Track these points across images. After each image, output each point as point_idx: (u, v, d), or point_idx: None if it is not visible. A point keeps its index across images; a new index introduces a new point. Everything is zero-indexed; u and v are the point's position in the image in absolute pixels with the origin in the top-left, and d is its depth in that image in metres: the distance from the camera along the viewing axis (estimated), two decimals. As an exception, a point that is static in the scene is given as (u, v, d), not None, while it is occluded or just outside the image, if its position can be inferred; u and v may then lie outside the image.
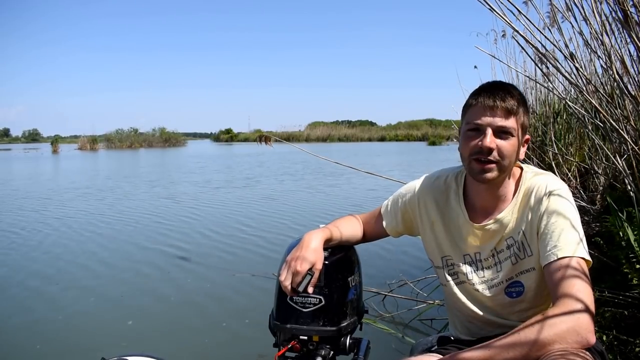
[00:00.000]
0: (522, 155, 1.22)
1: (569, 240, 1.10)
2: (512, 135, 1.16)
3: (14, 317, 3.51)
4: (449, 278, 1.31)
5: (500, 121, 1.15)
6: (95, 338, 3.14)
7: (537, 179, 1.21)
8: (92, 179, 14.40)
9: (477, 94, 1.19)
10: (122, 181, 13.51)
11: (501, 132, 1.16)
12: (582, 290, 1.03)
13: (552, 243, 1.11)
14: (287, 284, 1.18)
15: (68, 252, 5.44)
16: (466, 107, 1.22)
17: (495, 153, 1.15)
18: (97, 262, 4.95)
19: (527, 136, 1.24)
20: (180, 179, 13.79)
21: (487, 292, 1.25)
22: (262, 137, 2.47)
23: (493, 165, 1.16)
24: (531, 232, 1.18)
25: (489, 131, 1.15)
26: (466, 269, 1.27)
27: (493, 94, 1.17)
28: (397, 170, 14.62)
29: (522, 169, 1.26)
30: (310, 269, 1.17)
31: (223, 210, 8.15)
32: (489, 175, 1.17)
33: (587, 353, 1.00)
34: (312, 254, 1.19)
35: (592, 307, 1.01)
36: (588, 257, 1.10)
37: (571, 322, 0.98)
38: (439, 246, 1.32)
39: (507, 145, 1.16)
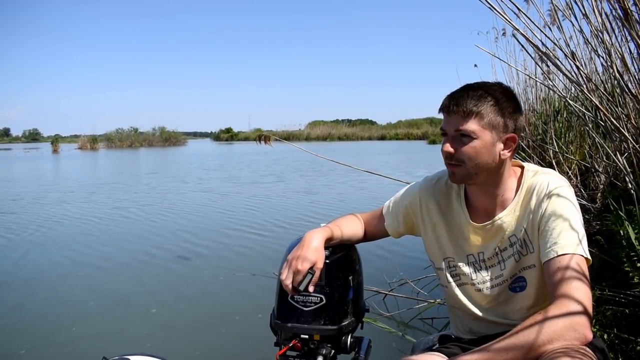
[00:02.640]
0: (504, 156, 1.18)
1: (569, 238, 1.10)
2: (474, 138, 1.15)
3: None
4: (451, 279, 1.31)
5: (456, 125, 1.16)
6: (95, 338, 3.16)
7: (538, 177, 1.21)
8: (116, 176, 14.91)
9: (443, 99, 1.21)
10: (149, 178, 13.93)
11: (461, 136, 1.16)
12: (579, 288, 1.03)
13: (552, 240, 1.11)
14: (288, 283, 1.18)
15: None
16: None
17: (456, 156, 1.17)
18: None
19: (509, 135, 1.18)
20: (207, 176, 14.13)
21: (490, 291, 1.25)
22: (262, 137, 2.46)
23: (458, 168, 1.18)
24: (533, 229, 1.18)
25: (448, 136, 1.18)
26: (469, 269, 1.27)
27: (450, 98, 1.18)
28: (421, 169, 14.73)
29: (523, 167, 1.26)
30: (311, 268, 1.17)
31: (277, 204, 8.65)
32: (455, 178, 1.20)
33: (589, 350, 1.00)
34: (313, 253, 1.19)
35: (590, 304, 1.02)
36: (588, 256, 1.10)
37: (568, 320, 0.99)
38: (441, 248, 1.32)
39: (467, 148, 1.15)
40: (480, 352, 1.00)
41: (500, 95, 1.18)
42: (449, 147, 1.17)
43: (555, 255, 1.09)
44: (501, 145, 1.18)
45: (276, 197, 9.54)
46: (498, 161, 1.19)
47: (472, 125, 1.15)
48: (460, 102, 1.15)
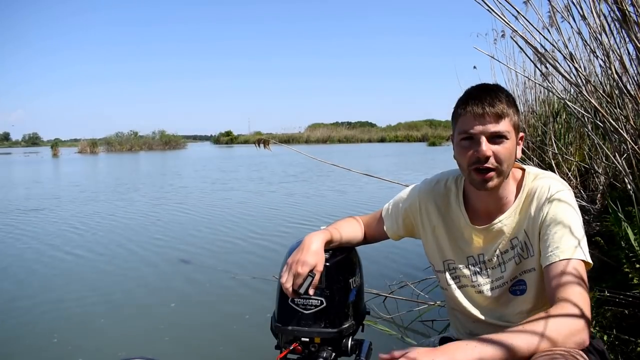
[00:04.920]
0: (519, 154, 1.22)
1: (570, 243, 1.11)
2: (507, 139, 1.15)
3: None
4: (451, 282, 1.31)
5: (492, 127, 1.15)
6: (96, 340, 3.16)
7: (539, 181, 1.21)
8: (137, 177, 15.56)
9: (464, 101, 1.18)
10: (173, 179, 14.59)
11: (495, 137, 1.15)
12: (579, 292, 1.04)
13: (553, 244, 1.12)
14: (288, 286, 1.18)
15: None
16: (456, 116, 1.21)
17: (492, 159, 1.15)
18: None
19: (521, 134, 1.23)
20: (229, 177, 14.67)
21: (490, 293, 1.25)
22: (261, 141, 2.46)
23: (493, 173, 1.16)
24: (533, 233, 1.18)
25: (483, 139, 1.15)
26: (469, 271, 1.28)
27: (481, 100, 1.16)
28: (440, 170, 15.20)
29: (523, 170, 1.26)
30: (311, 271, 1.18)
31: (320, 201, 9.16)
32: (491, 184, 1.17)
33: (583, 354, 1.00)
34: (312, 256, 1.19)
35: (588, 309, 1.03)
36: (588, 260, 1.11)
37: (568, 323, 0.99)
38: (441, 250, 1.32)
39: (503, 149, 1.15)
40: (482, 340, 0.97)
41: (512, 96, 1.21)
42: (488, 150, 1.14)
43: (557, 259, 1.09)
44: (516, 146, 1.20)
45: (314, 195, 9.99)
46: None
47: (505, 126, 1.15)
48: (494, 103, 1.15)
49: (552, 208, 1.16)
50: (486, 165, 1.15)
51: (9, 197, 10.99)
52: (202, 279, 4.43)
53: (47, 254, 5.47)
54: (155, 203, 9.29)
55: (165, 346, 3.04)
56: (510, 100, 1.18)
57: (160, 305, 3.79)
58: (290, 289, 1.18)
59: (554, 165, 4.23)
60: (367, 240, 1.44)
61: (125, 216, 7.92)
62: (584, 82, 2.69)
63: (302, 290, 1.17)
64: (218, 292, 4.08)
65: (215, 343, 3.07)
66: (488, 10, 2.31)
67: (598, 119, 2.73)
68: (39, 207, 9.13)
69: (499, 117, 1.15)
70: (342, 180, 12.35)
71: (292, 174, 15.10)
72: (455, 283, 1.30)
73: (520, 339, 0.96)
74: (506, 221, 1.22)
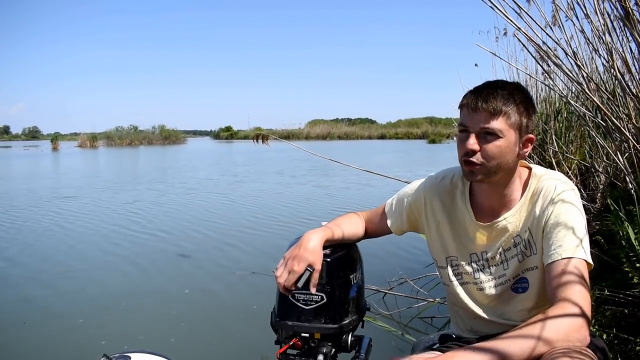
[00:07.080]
0: (522, 156, 1.20)
1: (572, 242, 1.10)
2: (499, 137, 1.14)
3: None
4: (453, 278, 1.31)
5: (482, 123, 1.14)
6: (96, 337, 3.16)
7: (545, 180, 1.20)
8: (155, 171, 15.92)
9: (465, 95, 1.19)
10: (194, 171, 15.05)
11: (486, 134, 1.14)
12: (581, 291, 1.04)
13: (556, 243, 1.11)
14: (282, 281, 1.18)
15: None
16: (459, 108, 1.22)
17: (479, 155, 1.15)
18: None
19: (529, 135, 1.20)
20: (250, 171, 14.94)
21: (492, 290, 1.25)
22: (259, 136, 2.45)
23: (478, 167, 1.16)
24: (537, 231, 1.18)
25: (471, 133, 1.15)
26: (472, 268, 1.27)
27: (477, 95, 1.16)
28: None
29: (530, 169, 1.26)
30: (307, 268, 1.17)
31: (355, 192, 9.60)
32: (473, 176, 1.18)
33: (589, 351, 1.00)
34: (310, 254, 1.19)
35: (589, 308, 1.03)
36: (589, 260, 1.11)
37: (570, 321, 0.99)
38: (444, 246, 1.32)
39: (492, 146, 1.14)
40: (482, 347, 0.99)
41: (524, 96, 1.18)
42: (474, 145, 1.15)
43: (559, 258, 1.09)
44: (520, 146, 1.19)
45: (342, 188, 10.28)
46: (516, 161, 1.19)
47: (499, 124, 1.14)
48: (489, 99, 1.14)
49: (557, 208, 1.15)
50: (472, 159, 1.15)
51: (40, 186, 11.39)
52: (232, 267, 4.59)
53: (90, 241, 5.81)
54: (188, 193, 9.67)
55: (160, 340, 3.05)
56: (513, 100, 1.16)
57: (176, 293, 3.93)
58: (283, 285, 1.18)
59: (554, 163, 4.24)
60: (368, 235, 1.44)
61: (176, 203, 8.51)
62: (587, 80, 2.69)
63: (299, 285, 1.17)
64: (239, 284, 4.16)
65: (214, 337, 3.08)
66: (491, 7, 2.30)
67: (599, 117, 2.73)
68: (75, 195, 9.61)
69: (491, 114, 1.14)
70: (362, 174, 12.50)
71: (308, 168, 15.37)
72: (457, 280, 1.30)
73: (518, 345, 0.96)
74: (511, 219, 1.22)
